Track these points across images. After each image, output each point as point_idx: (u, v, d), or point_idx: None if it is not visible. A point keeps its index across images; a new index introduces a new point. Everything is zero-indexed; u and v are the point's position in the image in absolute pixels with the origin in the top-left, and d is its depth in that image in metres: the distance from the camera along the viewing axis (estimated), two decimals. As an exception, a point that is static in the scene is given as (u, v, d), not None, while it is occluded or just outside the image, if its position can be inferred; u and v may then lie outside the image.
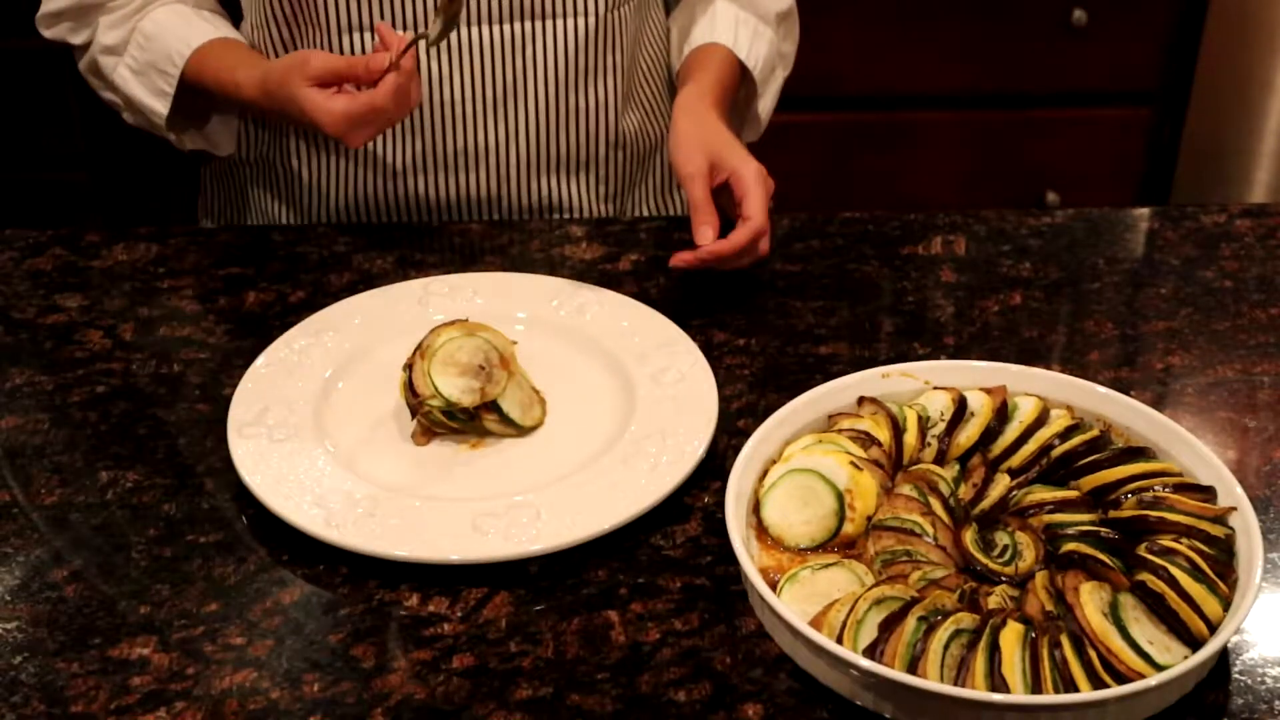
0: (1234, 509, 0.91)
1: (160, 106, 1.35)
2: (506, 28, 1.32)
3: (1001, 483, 0.97)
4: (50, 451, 1.07)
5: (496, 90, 1.34)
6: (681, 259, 1.20)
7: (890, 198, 2.44)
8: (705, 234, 1.18)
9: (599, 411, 1.10)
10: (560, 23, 1.33)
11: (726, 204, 1.23)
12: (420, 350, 1.07)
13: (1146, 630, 0.84)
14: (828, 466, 0.95)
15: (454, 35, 1.31)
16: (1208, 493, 0.93)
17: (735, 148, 1.24)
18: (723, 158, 1.23)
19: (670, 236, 1.33)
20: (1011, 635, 0.83)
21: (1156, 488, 0.94)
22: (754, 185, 1.20)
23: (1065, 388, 1.03)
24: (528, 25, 1.32)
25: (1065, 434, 0.99)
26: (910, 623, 0.84)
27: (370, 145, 1.35)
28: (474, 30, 1.31)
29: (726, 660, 0.88)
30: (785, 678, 0.87)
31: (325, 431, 1.07)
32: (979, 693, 0.80)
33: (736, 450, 0.97)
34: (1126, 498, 0.94)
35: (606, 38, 1.35)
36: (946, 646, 0.83)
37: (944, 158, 2.45)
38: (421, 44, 1.23)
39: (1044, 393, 1.02)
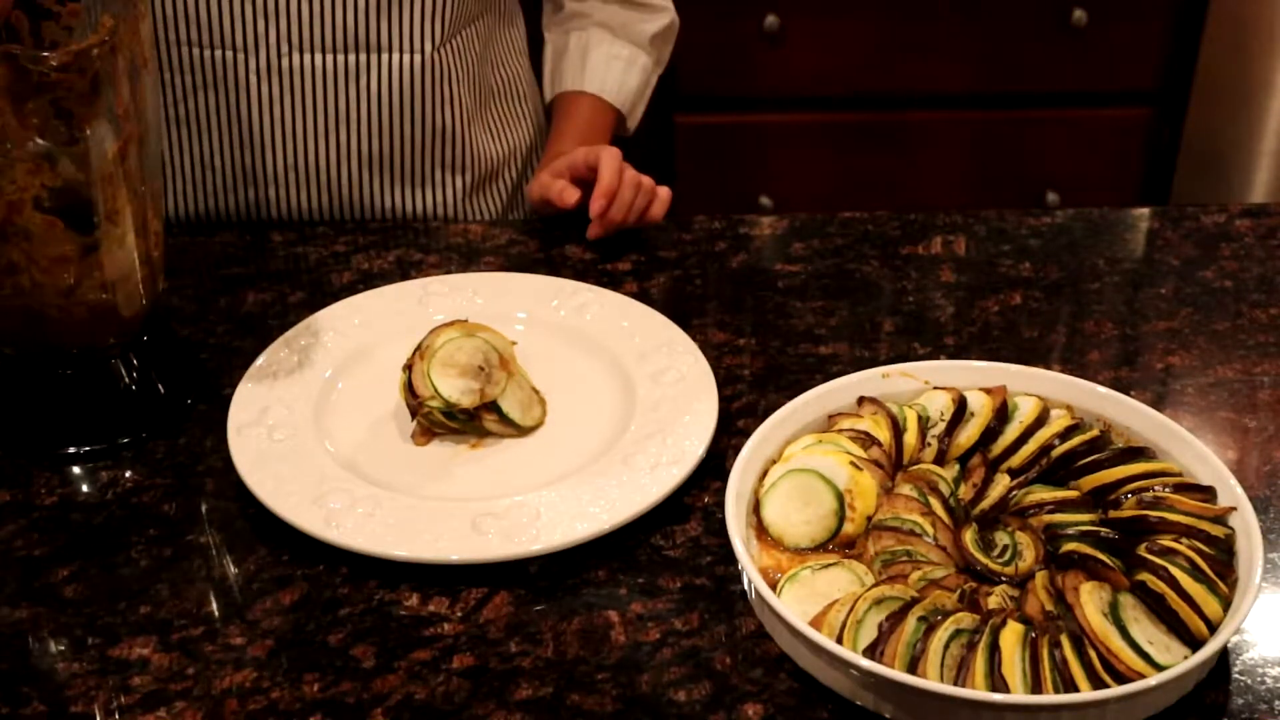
0: (1234, 509, 0.91)
1: None
2: (338, 58, 1.33)
3: (1001, 483, 0.97)
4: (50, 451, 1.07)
5: (328, 115, 1.35)
6: (593, 231, 1.31)
7: (890, 198, 2.44)
8: (568, 193, 1.31)
9: (599, 411, 1.10)
10: (387, 57, 1.34)
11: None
12: (420, 351, 1.07)
13: (1146, 630, 0.84)
14: (828, 466, 0.95)
15: (283, 62, 1.32)
16: (1208, 493, 0.93)
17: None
18: (574, 157, 1.33)
19: (671, 237, 1.33)
20: (1011, 635, 0.83)
21: (1156, 488, 0.94)
22: (601, 152, 1.31)
23: (1065, 388, 1.03)
24: (358, 57, 1.33)
25: (1065, 434, 0.99)
26: (910, 623, 0.84)
27: (196, 158, 1.37)
28: (304, 57, 1.32)
29: (726, 660, 0.88)
30: (785, 678, 0.87)
31: (325, 431, 1.07)
32: (979, 693, 0.80)
33: (736, 450, 0.97)
34: (1126, 498, 0.94)
35: (438, 73, 1.36)
36: (946, 646, 0.83)
37: (944, 158, 2.45)
38: (250, 67, 1.31)
39: (1044, 393, 1.02)
